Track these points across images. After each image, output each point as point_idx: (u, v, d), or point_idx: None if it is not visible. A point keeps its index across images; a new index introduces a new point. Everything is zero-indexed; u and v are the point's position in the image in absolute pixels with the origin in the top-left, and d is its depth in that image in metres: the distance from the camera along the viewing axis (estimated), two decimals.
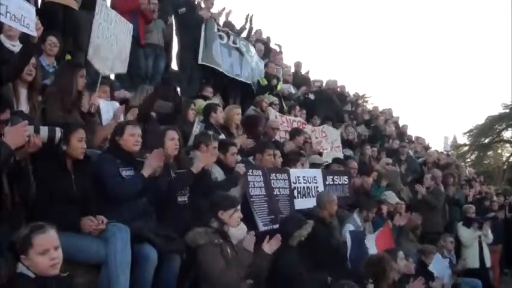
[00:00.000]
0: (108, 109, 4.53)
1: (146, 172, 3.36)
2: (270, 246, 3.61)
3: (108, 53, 4.70)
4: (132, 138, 3.48)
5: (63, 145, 3.04)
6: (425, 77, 54.41)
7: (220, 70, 7.55)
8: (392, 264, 4.18)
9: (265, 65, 8.92)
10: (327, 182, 5.87)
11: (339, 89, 10.96)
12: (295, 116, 8.00)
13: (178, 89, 7.26)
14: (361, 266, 4.21)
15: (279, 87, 8.59)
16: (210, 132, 4.72)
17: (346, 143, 8.95)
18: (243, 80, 8.06)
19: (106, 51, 4.66)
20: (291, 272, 3.90)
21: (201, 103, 6.16)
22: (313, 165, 6.33)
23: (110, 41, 4.71)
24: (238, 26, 9.02)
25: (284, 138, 6.90)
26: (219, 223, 3.48)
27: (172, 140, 3.87)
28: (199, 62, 7.22)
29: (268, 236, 3.68)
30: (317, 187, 5.66)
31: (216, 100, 6.94)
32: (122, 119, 4.37)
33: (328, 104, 9.82)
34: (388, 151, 9.85)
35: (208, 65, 7.34)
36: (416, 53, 54.72)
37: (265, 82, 8.28)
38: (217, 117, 5.56)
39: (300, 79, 10.30)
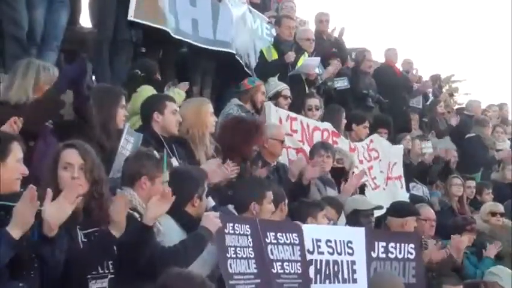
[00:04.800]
0: None
1: (15, 230, 3.29)
2: None
3: None
4: (18, 167, 3.60)
5: None
6: None
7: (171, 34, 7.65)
8: None
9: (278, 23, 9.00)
10: (374, 254, 5.91)
11: (401, 68, 11.11)
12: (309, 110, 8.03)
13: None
14: None
15: (299, 63, 8.70)
16: (156, 153, 4.69)
17: (415, 171, 9.00)
18: (220, 49, 8.21)
19: None
20: None
21: (144, 93, 6.26)
22: (352, 216, 6.39)
23: None
24: None
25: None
26: None
27: (67, 168, 3.87)
28: (129, 17, 7.43)
29: None
30: (353, 263, 5.72)
31: (181, 90, 7.04)
32: None
33: (381, 94, 9.91)
34: (498, 187, 9.88)
35: (144, 23, 7.51)
36: None
37: (275, 55, 8.39)
38: (167, 121, 5.59)
39: (326, 46, 10.42)
